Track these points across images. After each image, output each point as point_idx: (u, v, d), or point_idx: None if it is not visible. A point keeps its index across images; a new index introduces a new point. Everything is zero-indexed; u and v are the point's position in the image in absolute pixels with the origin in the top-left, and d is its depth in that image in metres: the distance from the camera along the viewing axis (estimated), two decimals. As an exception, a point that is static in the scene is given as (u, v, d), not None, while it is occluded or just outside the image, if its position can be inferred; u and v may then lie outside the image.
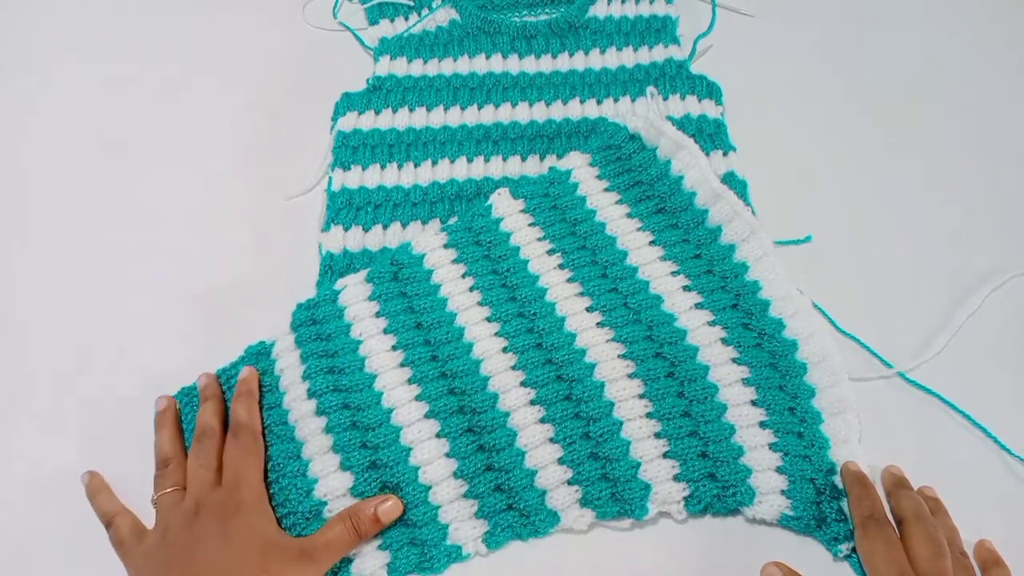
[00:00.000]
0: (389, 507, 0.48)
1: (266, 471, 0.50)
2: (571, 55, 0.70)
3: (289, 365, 0.54)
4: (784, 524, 0.49)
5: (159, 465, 0.50)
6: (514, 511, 0.49)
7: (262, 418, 0.52)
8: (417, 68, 0.69)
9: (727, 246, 0.57)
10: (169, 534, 0.45)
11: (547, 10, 0.73)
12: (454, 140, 0.65)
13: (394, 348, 0.54)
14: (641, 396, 0.51)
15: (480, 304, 0.55)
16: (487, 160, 0.64)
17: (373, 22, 0.72)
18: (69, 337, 0.57)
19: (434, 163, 0.63)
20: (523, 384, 0.52)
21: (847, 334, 0.56)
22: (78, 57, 0.71)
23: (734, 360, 0.52)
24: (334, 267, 0.59)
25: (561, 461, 0.50)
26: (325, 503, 0.49)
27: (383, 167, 0.63)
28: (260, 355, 0.55)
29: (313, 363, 0.53)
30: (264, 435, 0.52)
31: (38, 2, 0.75)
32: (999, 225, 0.61)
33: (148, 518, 0.50)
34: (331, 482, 0.49)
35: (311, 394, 0.52)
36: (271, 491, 0.50)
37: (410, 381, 0.52)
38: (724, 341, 0.53)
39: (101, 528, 0.50)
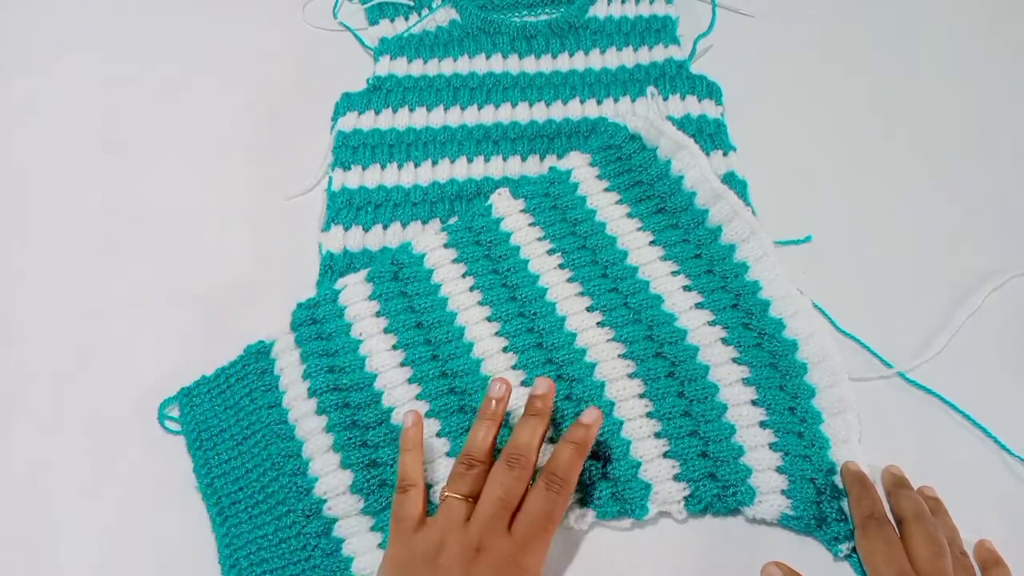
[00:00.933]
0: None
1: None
2: (571, 55, 0.70)
3: (289, 364, 0.54)
4: (784, 524, 0.49)
5: (465, 460, 0.45)
6: (514, 511, 0.49)
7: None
8: (417, 68, 0.69)
9: (727, 246, 0.57)
10: (443, 558, 0.42)
11: (547, 10, 0.73)
12: (454, 140, 0.65)
13: (394, 347, 0.54)
14: (641, 396, 0.51)
15: (480, 304, 0.55)
16: (487, 160, 0.64)
17: (373, 22, 0.72)
18: (69, 337, 0.57)
19: (434, 163, 0.64)
20: (523, 383, 0.52)
21: (847, 334, 0.56)
22: (78, 57, 0.72)
23: (734, 360, 0.52)
24: (334, 267, 0.59)
25: (561, 461, 0.50)
26: (324, 501, 0.49)
27: (383, 167, 0.63)
28: (260, 354, 0.55)
29: (313, 362, 0.53)
30: (265, 437, 0.52)
31: (38, 2, 0.75)
32: (999, 225, 0.61)
33: (153, 515, 0.50)
34: (331, 480, 0.49)
35: (311, 393, 0.52)
36: (270, 490, 0.50)
37: (410, 380, 0.52)
38: (724, 341, 0.53)
39: (101, 528, 0.50)
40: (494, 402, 0.47)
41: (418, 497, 0.45)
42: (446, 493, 0.45)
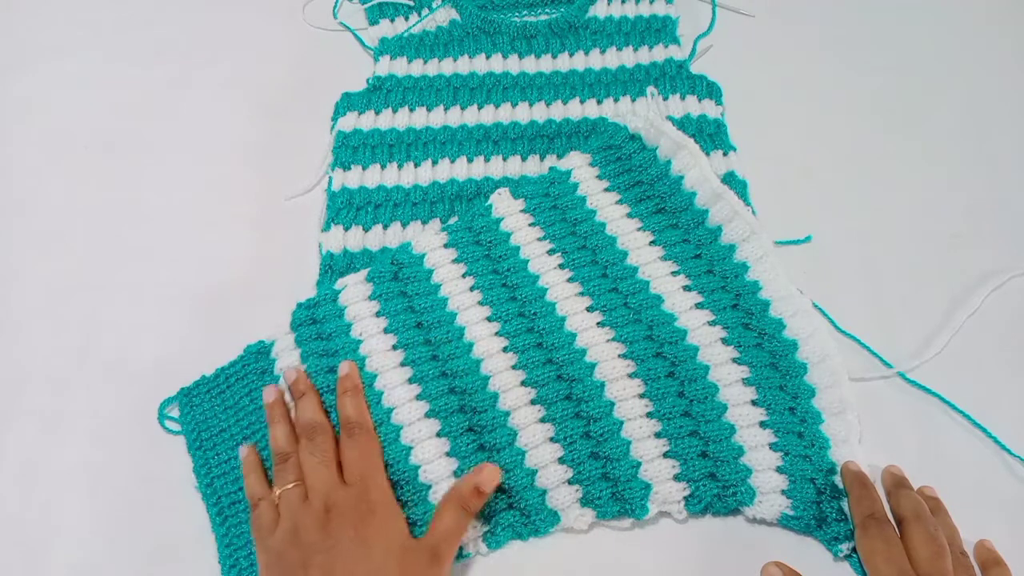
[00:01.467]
0: (486, 475, 0.47)
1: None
2: (571, 55, 0.70)
3: (289, 365, 0.54)
4: (784, 524, 0.49)
5: (278, 459, 0.49)
6: (514, 510, 0.49)
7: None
8: (417, 68, 0.69)
9: (727, 246, 0.57)
10: (302, 534, 0.44)
11: (547, 10, 0.73)
12: (454, 140, 0.65)
13: (394, 347, 0.54)
14: (641, 396, 0.51)
15: (480, 304, 0.55)
16: (487, 160, 0.64)
17: (373, 22, 0.72)
18: (69, 337, 0.57)
19: (434, 163, 0.64)
20: (523, 384, 0.52)
21: (847, 334, 0.56)
22: (78, 57, 0.71)
23: (734, 360, 0.52)
24: (334, 267, 0.59)
25: (561, 461, 0.50)
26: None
27: (383, 167, 0.63)
28: (260, 354, 0.55)
29: (313, 362, 0.53)
30: (265, 437, 0.52)
31: (38, 2, 0.75)
32: (999, 225, 0.61)
33: (153, 515, 0.51)
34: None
35: (311, 393, 0.52)
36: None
37: (410, 380, 0.52)
38: (724, 341, 0.53)
39: (100, 529, 0.50)
40: (271, 406, 0.51)
41: (269, 507, 0.47)
42: (278, 490, 0.47)
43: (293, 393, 0.52)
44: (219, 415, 0.53)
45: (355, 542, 0.43)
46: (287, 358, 0.54)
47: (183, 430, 0.53)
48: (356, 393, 0.51)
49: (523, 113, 0.66)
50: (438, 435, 0.51)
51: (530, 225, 0.59)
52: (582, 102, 0.67)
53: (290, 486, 0.47)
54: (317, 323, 0.55)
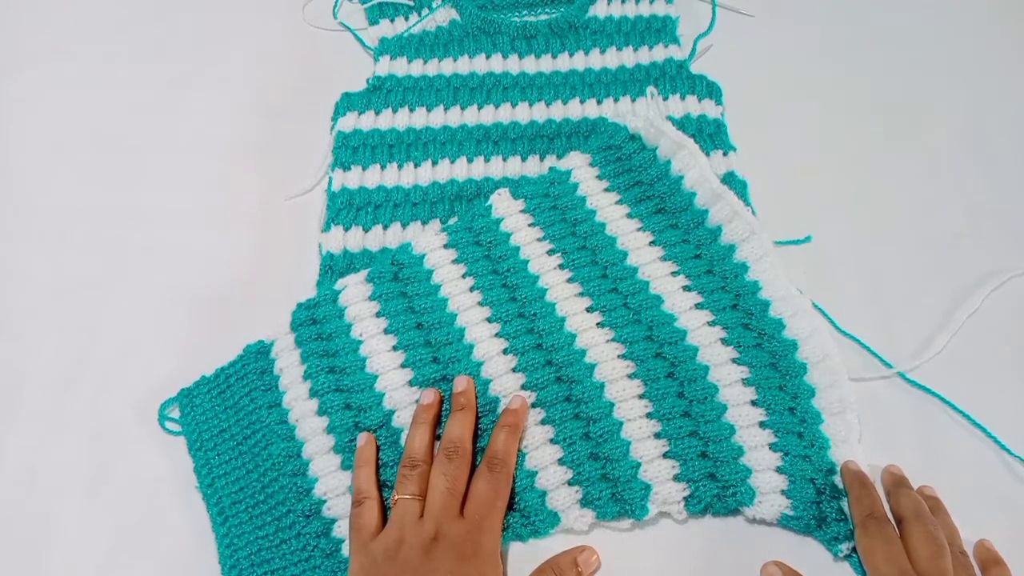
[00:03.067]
0: (587, 557, 0.47)
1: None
2: (571, 55, 0.70)
3: (289, 365, 0.54)
4: (784, 524, 0.49)
5: (407, 463, 0.48)
6: (514, 511, 0.49)
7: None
8: (417, 68, 0.69)
9: (727, 246, 0.57)
10: (403, 552, 0.44)
11: (547, 10, 0.73)
12: (454, 140, 0.65)
13: (395, 348, 0.54)
14: (641, 396, 0.51)
15: (480, 304, 0.55)
16: (487, 160, 0.64)
17: (373, 22, 0.72)
18: (69, 337, 0.57)
19: (434, 163, 0.63)
20: (524, 386, 0.52)
21: (847, 334, 0.56)
22: (78, 57, 0.71)
23: (734, 360, 0.52)
24: (334, 267, 0.59)
25: (561, 462, 0.50)
26: (324, 501, 0.49)
27: (383, 167, 0.63)
28: (260, 354, 0.55)
29: (314, 363, 0.53)
30: (266, 437, 0.52)
31: (38, 2, 0.75)
32: (999, 225, 0.61)
33: (153, 515, 0.51)
34: (330, 481, 0.49)
35: (313, 394, 0.52)
36: (271, 490, 0.50)
37: (411, 383, 0.52)
38: (724, 341, 0.53)
39: (101, 529, 0.50)
40: (425, 408, 0.50)
41: (373, 507, 0.47)
42: (397, 496, 0.47)
43: (453, 403, 0.50)
44: (219, 415, 0.53)
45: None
46: (287, 358, 0.54)
47: (183, 431, 0.53)
48: (513, 432, 0.49)
49: (523, 113, 0.66)
50: (439, 438, 0.50)
51: (530, 225, 0.59)
52: (582, 102, 0.67)
53: (409, 497, 0.46)
54: (317, 323, 0.55)
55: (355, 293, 0.56)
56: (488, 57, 0.70)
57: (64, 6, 0.75)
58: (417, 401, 0.51)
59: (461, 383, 0.51)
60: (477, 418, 0.51)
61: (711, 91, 0.67)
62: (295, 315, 0.56)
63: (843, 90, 0.69)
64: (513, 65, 0.69)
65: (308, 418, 0.51)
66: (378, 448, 0.50)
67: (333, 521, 0.49)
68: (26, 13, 0.74)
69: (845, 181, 0.64)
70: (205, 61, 0.71)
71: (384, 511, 0.47)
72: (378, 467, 0.50)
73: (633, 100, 0.66)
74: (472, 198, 0.62)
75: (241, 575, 0.48)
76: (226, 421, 0.53)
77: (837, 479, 0.49)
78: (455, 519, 0.45)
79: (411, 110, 0.66)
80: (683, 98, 0.66)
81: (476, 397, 0.51)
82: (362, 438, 0.50)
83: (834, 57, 0.71)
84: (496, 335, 0.54)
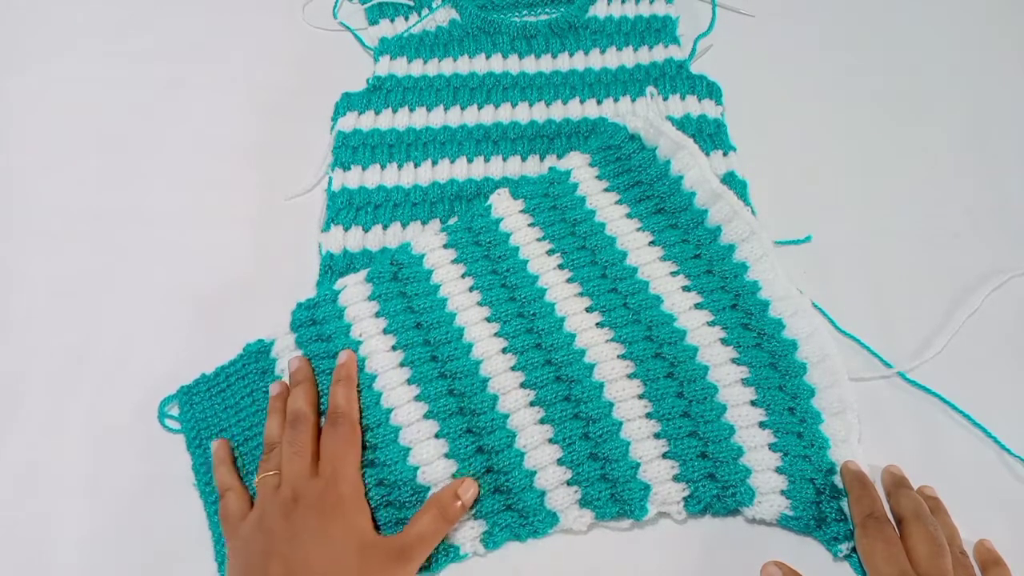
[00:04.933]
0: (468, 486, 0.48)
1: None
2: (571, 55, 0.70)
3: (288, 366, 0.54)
4: (784, 524, 0.49)
5: (266, 449, 0.50)
6: (513, 511, 0.49)
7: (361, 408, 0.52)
8: (417, 68, 0.69)
9: (727, 246, 0.57)
10: (266, 521, 0.45)
11: (547, 10, 0.73)
12: (454, 140, 0.65)
13: (394, 348, 0.54)
14: (640, 396, 0.51)
15: (480, 304, 0.55)
16: (487, 160, 0.64)
17: (373, 22, 0.72)
18: (69, 337, 0.57)
19: (434, 163, 0.64)
20: (523, 385, 0.52)
21: (847, 334, 0.56)
22: (78, 57, 0.71)
23: (734, 360, 0.52)
24: (334, 267, 0.59)
25: (560, 462, 0.50)
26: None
27: (383, 167, 0.63)
28: (260, 353, 0.55)
29: (314, 363, 0.53)
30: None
31: (38, 2, 0.75)
32: (999, 225, 0.61)
33: (153, 514, 0.51)
34: None
35: (311, 394, 0.52)
36: None
37: (409, 381, 0.52)
38: (724, 341, 0.53)
39: (100, 528, 0.50)
40: (273, 398, 0.52)
41: (236, 497, 0.48)
42: (257, 477, 0.48)
43: (291, 381, 0.52)
44: (219, 414, 0.53)
45: (316, 533, 0.44)
46: (288, 358, 0.54)
47: (183, 428, 0.53)
48: (349, 384, 0.51)
49: (523, 113, 0.66)
50: (437, 436, 0.51)
51: (529, 225, 0.59)
52: (582, 102, 0.67)
53: (269, 474, 0.48)
54: (317, 324, 0.55)
55: (355, 293, 0.56)
56: (488, 57, 0.70)
57: (64, 6, 0.75)
58: (416, 398, 0.51)
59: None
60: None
61: (711, 91, 0.66)
62: (295, 315, 0.56)
63: (843, 90, 0.69)
64: (513, 65, 0.69)
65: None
66: (233, 451, 0.52)
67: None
68: (26, 12, 0.74)
69: (845, 181, 0.64)
70: (205, 61, 0.71)
71: (251, 500, 0.49)
72: (235, 462, 0.51)
73: (633, 100, 0.66)
74: (472, 198, 0.62)
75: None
76: (226, 420, 0.53)
77: (837, 479, 0.49)
78: (310, 479, 0.46)
79: (411, 110, 0.66)
80: (683, 98, 0.66)
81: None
82: (215, 443, 0.51)
83: (834, 57, 0.71)
84: (495, 335, 0.54)
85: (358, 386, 0.52)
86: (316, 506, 0.45)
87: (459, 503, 0.47)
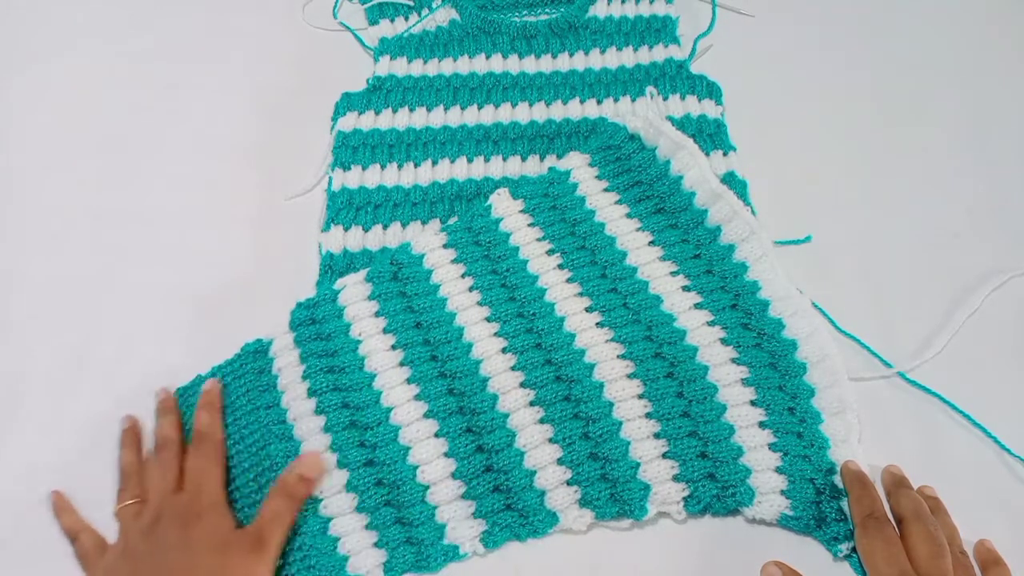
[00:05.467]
0: (307, 461, 0.49)
1: (230, 478, 0.51)
2: (571, 55, 0.70)
3: (287, 364, 0.54)
4: (784, 524, 0.49)
5: (121, 481, 0.51)
6: (512, 511, 0.49)
7: (225, 427, 0.52)
8: (417, 68, 0.69)
9: (727, 246, 0.57)
10: (129, 545, 0.46)
11: (547, 10, 0.73)
12: (454, 140, 0.65)
13: (393, 348, 0.54)
14: (640, 396, 0.51)
15: (479, 304, 0.55)
16: (487, 160, 0.64)
17: (373, 22, 0.72)
18: (69, 337, 0.57)
19: (434, 163, 0.64)
20: (522, 385, 0.52)
21: (847, 334, 0.56)
22: (78, 57, 0.71)
23: (733, 360, 0.52)
24: (334, 267, 0.59)
25: (560, 461, 0.50)
26: (320, 500, 0.49)
27: (383, 167, 0.63)
28: (258, 353, 0.55)
29: (313, 362, 0.53)
30: (263, 437, 0.52)
31: (38, 2, 0.75)
32: (999, 225, 0.61)
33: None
34: (326, 480, 0.49)
35: (311, 393, 0.52)
36: (267, 490, 0.50)
37: (409, 381, 0.52)
38: (723, 341, 0.53)
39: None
40: (125, 432, 0.52)
41: (88, 537, 0.48)
42: (116, 507, 0.49)
43: (158, 410, 0.53)
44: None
45: (179, 544, 0.45)
46: (285, 358, 0.54)
47: (186, 428, 0.53)
48: (211, 408, 0.52)
49: (523, 113, 0.66)
50: (436, 435, 0.51)
51: (529, 225, 0.59)
52: (582, 102, 0.67)
53: (128, 503, 0.48)
54: (317, 323, 0.55)
55: (354, 293, 0.56)
56: (488, 57, 0.70)
57: (64, 6, 0.75)
58: (416, 398, 0.51)
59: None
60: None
61: (711, 91, 0.66)
62: (294, 314, 0.56)
63: (843, 90, 0.69)
64: (513, 65, 0.69)
65: (306, 417, 0.51)
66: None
67: (329, 520, 0.49)
68: (26, 12, 0.74)
69: (845, 181, 0.64)
70: (205, 61, 0.71)
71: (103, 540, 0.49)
72: (75, 511, 0.50)
73: (633, 100, 0.67)
74: (472, 198, 0.62)
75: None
76: (223, 419, 0.53)
77: (837, 479, 0.49)
78: (174, 496, 0.47)
79: (411, 110, 0.66)
80: (683, 98, 0.66)
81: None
82: (53, 493, 0.51)
83: (834, 57, 0.71)
84: (495, 334, 0.54)
85: (356, 385, 0.52)
86: (179, 518, 0.46)
87: (304, 481, 0.48)
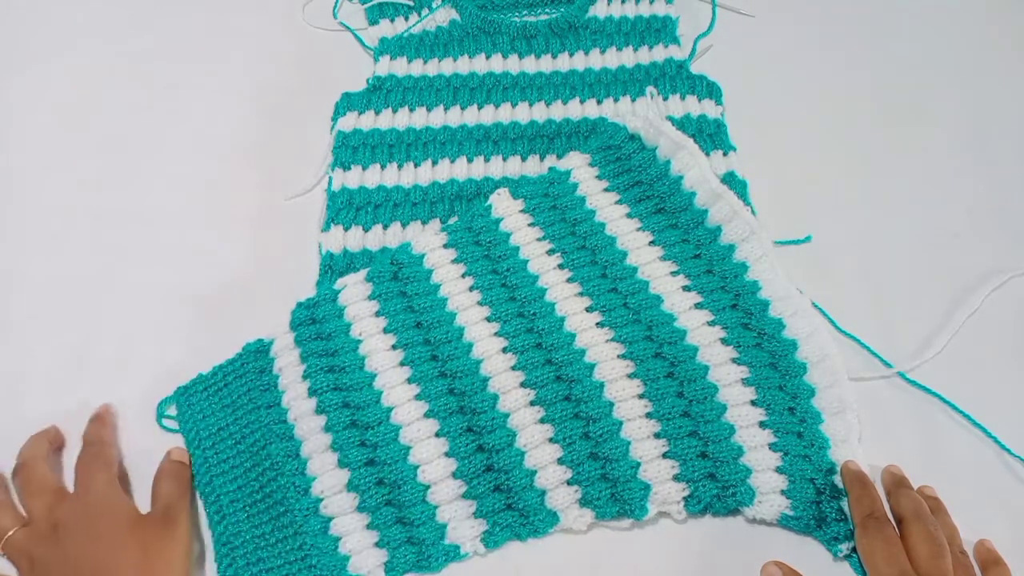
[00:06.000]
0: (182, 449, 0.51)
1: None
2: (571, 55, 0.70)
3: (288, 364, 0.54)
4: (784, 524, 0.49)
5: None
6: (513, 511, 0.49)
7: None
8: (417, 68, 0.69)
9: (727, 246, 0.57)
10: (37, 561, 0.45)
11: (547, 10, 0.73)
12: (454, 140, 0.65)
13: (394, 347, 0.54)
14: (641, 396, 0.51)
15: (480, 304, 0.55)
16: (487, 160, 0.64)
17: (373, 22, 0.72)
18: (69, 337, 0.57)
19: (434, 163, 0.64)
20: (523, 384, 0.52)
21: (847, 334, 0.56)
22: (78, 57, 0.71)
23: (734, 360, 0.52)
24: (334, 267, 0.59)
25: (561, 461, 0.50)
26: (321, 499, 0.49)
27: (383, 167, 0.63)
28: (259, 353, 0.55)
29: (313, 362, 0.53)
30: (264, 436, 0.52)
31: (38, 2, 0.75)
32: (999, 225, 0.61)
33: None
34: (328, 479, 0.49)
35: (311, 392, 0.52)
36: (269, 489, 0.50)
37: (410, 380, 0.52)
38: (724, 341, 0.53)
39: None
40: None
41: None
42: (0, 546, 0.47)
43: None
44: (217, 413, 0.53)
45: (86, 541, 0.45)
46: (286, 357, 0.54)
47: (181, 428, 0.53)
48: (97, 420, 0.52)
49: (523, 113, 0.66)
50: (437, 435, 0.51)
51: (530, 225, 0.59)
52: (582, 102, 0.67)
53: (10, 533, 0.47)
54: (317, 323, 0.55)
55: (354, 292, 0.56)
56: (488, 57, 0.70)
57: (64, 6, 0.75)
58: (416, 397, 0.51)
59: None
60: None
61: (711, 91, 0.67)
62: (295, 314, 0.56)
63: (843, 90, 0.69)
64: (513, 65, 0.69)
65: (306, 417, 0.51)
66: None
67: (330, 519, 0.49)
68: (26, 12, 0.74)
69: (845, 181, 0.64)
70: (205, 61, 0.71)
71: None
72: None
73: (633, 100, 0.66)
74: (472, 198, 0.62)
75: (238, 572, 0.48)
76: (224, 420, 0.53)
77: (837, 479, 0.49)
78: (59, 503, 0.47)
79: (411, 110, 0.66)
80: (683, 98, 0.66)
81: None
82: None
83: (834, 57, 0.71)
84: (495, 334, 0.54)
85: (356, 385, 0.52)
86: (78, 517, 0.46)
87: (179, 458, 0.50)
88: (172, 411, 0.54)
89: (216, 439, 0.52)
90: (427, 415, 0.51)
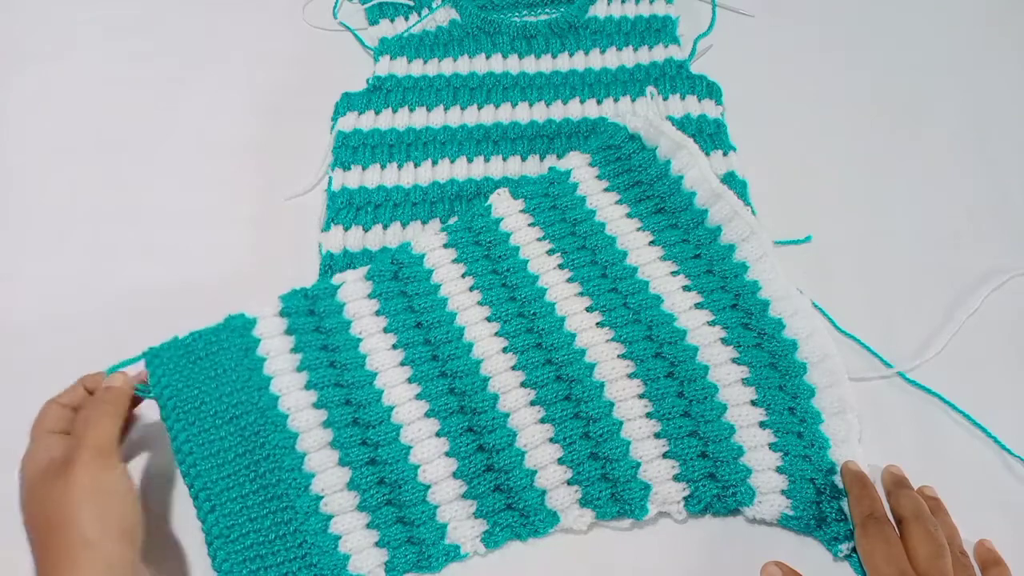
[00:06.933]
0: (111, 379, 0.50)
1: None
2: (571, 55, 0.70)
3: (278, 351, 0.53)
4: (784, 524, 0.49)
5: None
6: (513, 511, 0.49)
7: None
8: (417, 68, 0.69)
9: (727, 246, 0.57)
10: (49, 468, 0.46)
11: (547, 10, 0.73)
12: (454, 140, 0.65)
13: (394, 347, 0.54)
14: (641, 396, 0.51)
15: (480, 304, 0.55)
16: (487, 160, 0.64)
17: (373, 22, 0.72)
18: (69, 337, 0.57)
19: (434, 163, 0.64)
20: (523, 384, 0.52)
21: (847, 334, 0.56)
22: (78, 57, 0.71)
23: (734, 360, 0.52)
24: (334, 267, 0.59)
25: (561, 461, 0.50)
26: (322, 497, 0.49)
27: (383, 167, 0.63)
28: (243, 329, 0.53)
29: (312, 355, 0.53)
30: (256, 422, 0.51)
31: (38, 2, 0.75)
32: (999, 225, 0.61)
33: (153, 512, 0.50)
34: (328, 477, 0.49)
35: (310, 385, 0.52)
36: (265, 481, 0.49)
37: (410, 380, 0.52)
38: (724, 341, 0.53)
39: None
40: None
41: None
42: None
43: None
44: (198, 384, 0.51)
45: (64, 478, 0.44)
46: (275, 343, 0.53)
47: (153, 393, 0.50)
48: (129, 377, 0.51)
49: (523, 113, 0.66)
50: (437, 435, 0.51)
51: (530, 225, 0.59)
52: (582, 102, 0.67)
53: (55, 431, 0.48)
54: (316, 315, 0.55)
55: (354, 290, 0.56)
56: (488, 57, 0.70)
57: (64, 6, 0.75)
58: (417, 397, 0.51)
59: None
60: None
61: (711, 91, 0.67)
62: (289, 302, 0.55)
63: (843, 90, 0.69)
64: (513, 65, 0.69)
65: (304, 410, 0.51)
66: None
67: (330, 518, 0.49)
68: (26, 13, 0.74)
69: (845, 181, 0.64)
70: (205, 61, 0.71)
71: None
72: None
73: (633, 100, 0.67)
74: (472, 198, 0.62)
75: (234, 568, 0.47)
76: (207, 393, 0.50)
77: (837, 479, 0.49)
78: (62, 442, 0.47)
79: (411, 110, 0.66)
80: (683, 98, 0.66)
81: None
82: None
83: (834, 57, 0.71)
84: (495, 334, 0.54)
85: (357, 383, 0.52)
86: (75, 454, 0.45)
87: (109, 387, 0.49)
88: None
89: (200, 414, 0.50)
90: (428, 415, 0.51)
